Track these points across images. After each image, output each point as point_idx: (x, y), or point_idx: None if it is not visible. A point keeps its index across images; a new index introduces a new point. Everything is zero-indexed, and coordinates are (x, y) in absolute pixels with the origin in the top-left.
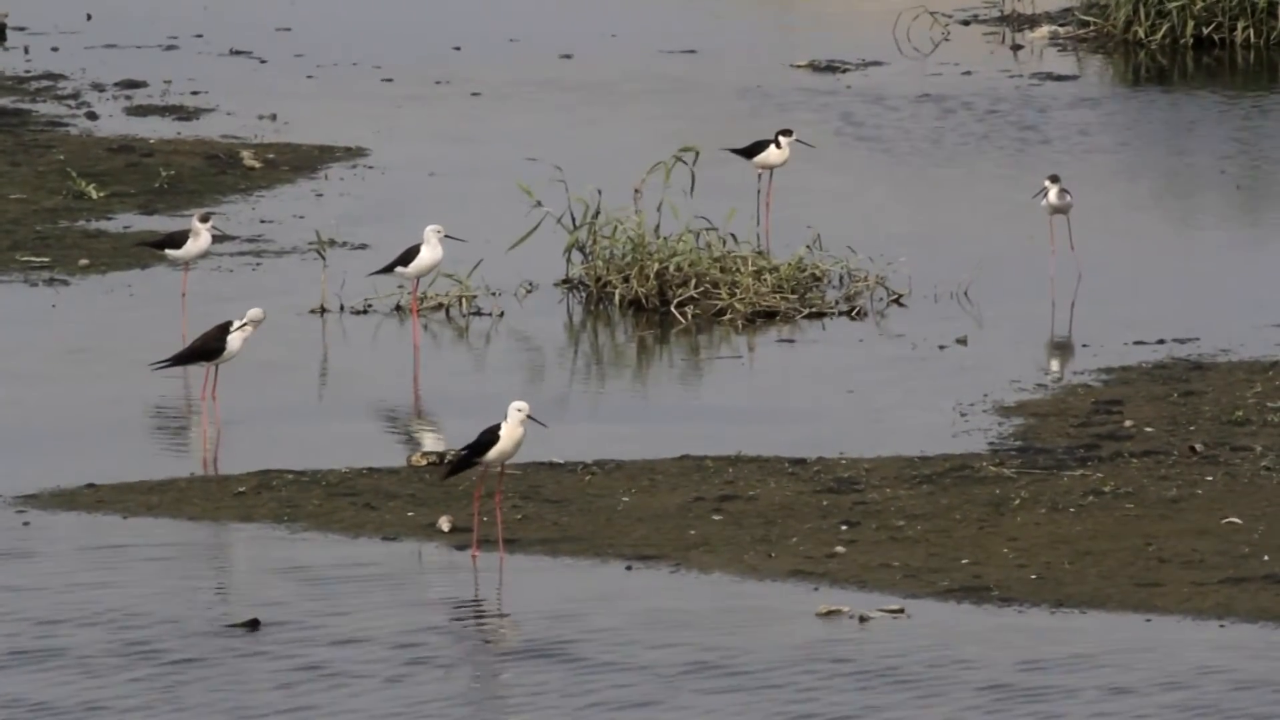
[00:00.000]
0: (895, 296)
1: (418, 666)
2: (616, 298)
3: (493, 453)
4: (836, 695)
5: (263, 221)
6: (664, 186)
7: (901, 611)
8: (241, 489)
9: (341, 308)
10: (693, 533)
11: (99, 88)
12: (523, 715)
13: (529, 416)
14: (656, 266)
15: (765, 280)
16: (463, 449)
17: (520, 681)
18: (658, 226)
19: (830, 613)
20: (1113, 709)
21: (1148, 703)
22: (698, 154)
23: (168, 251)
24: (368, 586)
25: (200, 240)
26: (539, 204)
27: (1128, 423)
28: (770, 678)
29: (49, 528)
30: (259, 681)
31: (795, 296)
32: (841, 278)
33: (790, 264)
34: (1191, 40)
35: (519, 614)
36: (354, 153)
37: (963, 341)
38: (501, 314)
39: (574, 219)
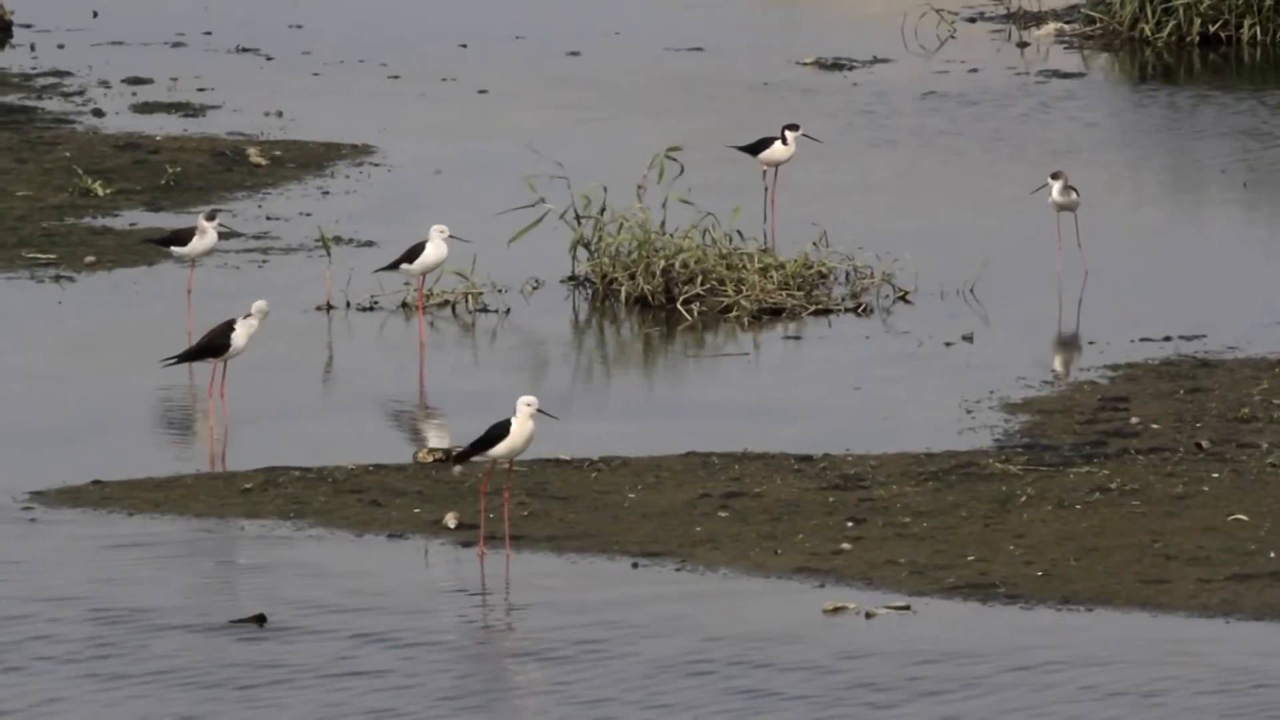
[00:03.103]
0: (901, 293)
1: (422, 662)
2: (622, 295)
3: (502, 447)
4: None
5: (269, 219)
6: (659, 184)
7: (908, 608)
8: (248, 486)
9: (347, 305)
10: (699, 529)
11: (105, 85)
12: (529, 711)
13: (539, 410)
14: (662, 263)
15: (771, 277)
16: (471, 443)
17: (528, 677)
18: (663, 223)
19: (836, 609)
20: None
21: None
22: (676, 153)
23: (173, 249)
24: (373, 582)
25: (206, 238)
26: (542, 200)
27: (1134, 420)
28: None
29: (55, 524)
30: (263, 676)
31: (801, 293)
32: (848, 275)
33: (796, 261)
34: (1198, 38)
35: (528, 610)
36: (360, 150)
37: (969, 338)
38: (508, 311)
39: (578, 216)
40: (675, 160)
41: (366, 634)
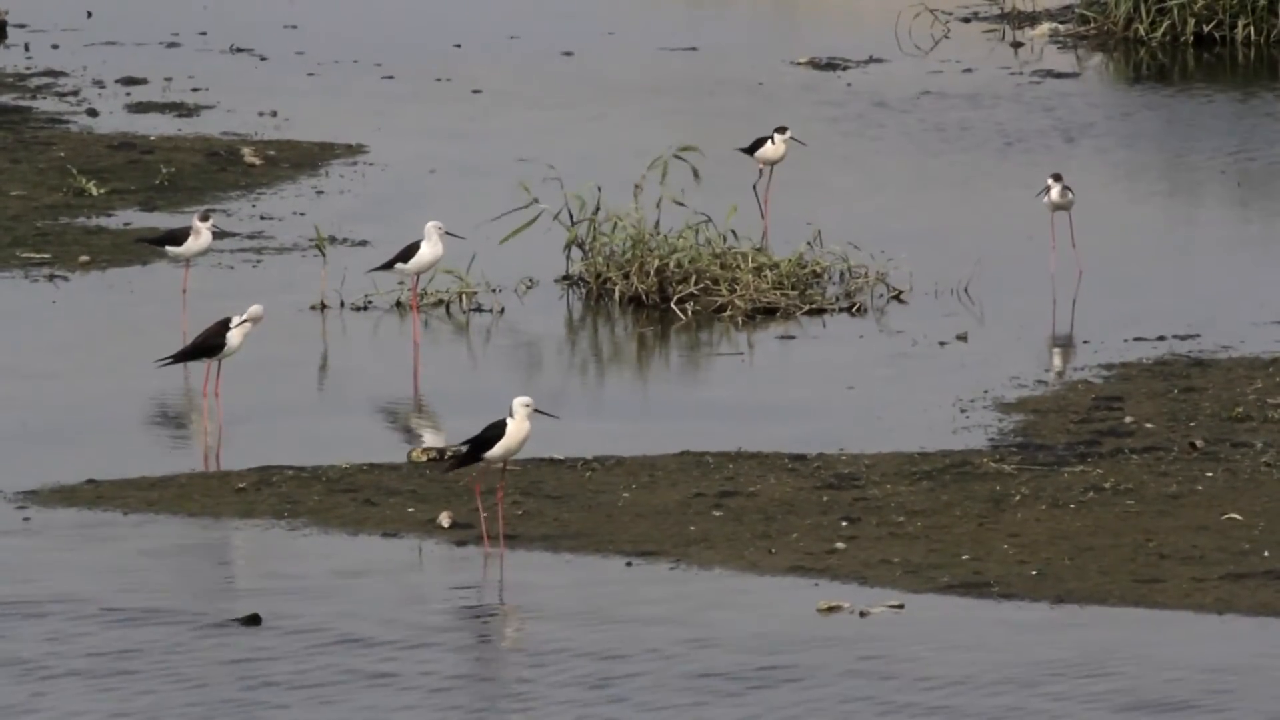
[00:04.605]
0: (896, 293)
1: (420, 662)
2: (617, 294)
3: (498, 449)
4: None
5: (263, 218)
6: (660, 184)
7: (902, 607)
8: (242, 485)
9: (342, 304)
10: (693, 529)
11: (99, 85)
12: (527, 713)
13: (536, 410)
14: (657, 263)
15: (766, 277)
16: (464, 443)
17: (527, 678)
18: (657, 223)
19: (831, 608)
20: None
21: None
22: (698, 154)
23: (168, 248)
24: (369, 582)
25: (201, 238)
26: (535, 200)
27: (1128, 419)
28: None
29: (50, 523)
30: (258, 677)
31: (795, 293)
32: (842, 274)
33: (791, 260)
34: (1192, 38)
35: (524, 610)
36: (354, 150)
37: (963, 338)
38: (502, 310)
39: (571, 216)
40: (685, 160)
41: (360, 634)
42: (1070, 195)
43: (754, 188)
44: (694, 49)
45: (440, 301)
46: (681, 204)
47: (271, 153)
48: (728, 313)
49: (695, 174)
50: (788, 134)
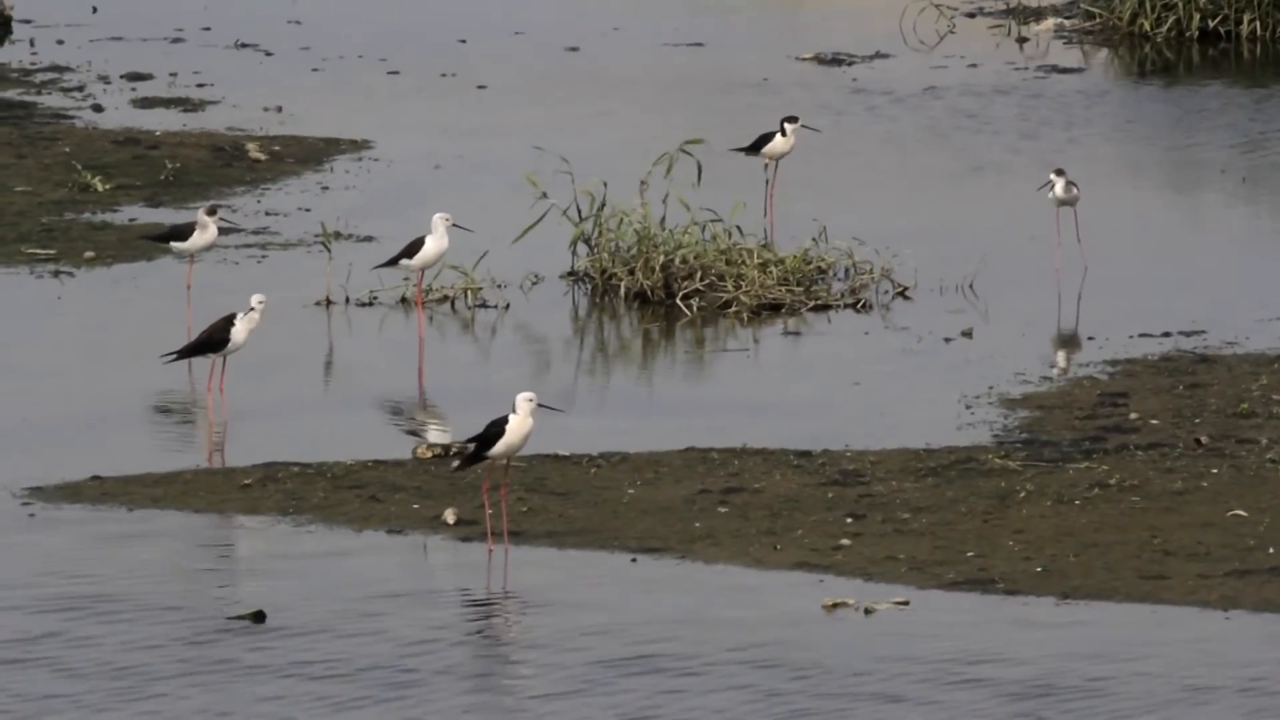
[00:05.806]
0: (901, 289)
1: (425, 660)
2: (622, 290)
3: (500, 446)
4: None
5: (268, 214)
6: (665, 179)
7: (907, 604)
8: (247, 481)
9: (347, 300)
10: (698, 525)
11: (104, 80)
12: (529, 712)
13: (540, 404)
14: (662, 259)
15: (771, 273)
16: (468, 440)
17: (527, 675)
18: (663, 219)
19: (836, 605)
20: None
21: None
22: (695, 146)
23: (173, 244)
24: (373, 579)
25: (206, 233)
26: (544, 195)
27: (1133, 415)
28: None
29: (54, 519)
30: (264, 674)
31: (801, 289)
32: (847, 270)
33: (796, 256)
34: (1197, 33)
35: (527, 606)
36: (359, 145)
37: (968, 334)
38: (507, 306)
39: (580, 212)
40: (691, 155)
41: (364, 632)
42: (1075, 190)
43: (766, 182)
44: (699, 44)
45: (445, 297)
46: (686, 206)
47: (276, 148)
48: (733, 309)
49: (698, 173)
50: (799, 123)
